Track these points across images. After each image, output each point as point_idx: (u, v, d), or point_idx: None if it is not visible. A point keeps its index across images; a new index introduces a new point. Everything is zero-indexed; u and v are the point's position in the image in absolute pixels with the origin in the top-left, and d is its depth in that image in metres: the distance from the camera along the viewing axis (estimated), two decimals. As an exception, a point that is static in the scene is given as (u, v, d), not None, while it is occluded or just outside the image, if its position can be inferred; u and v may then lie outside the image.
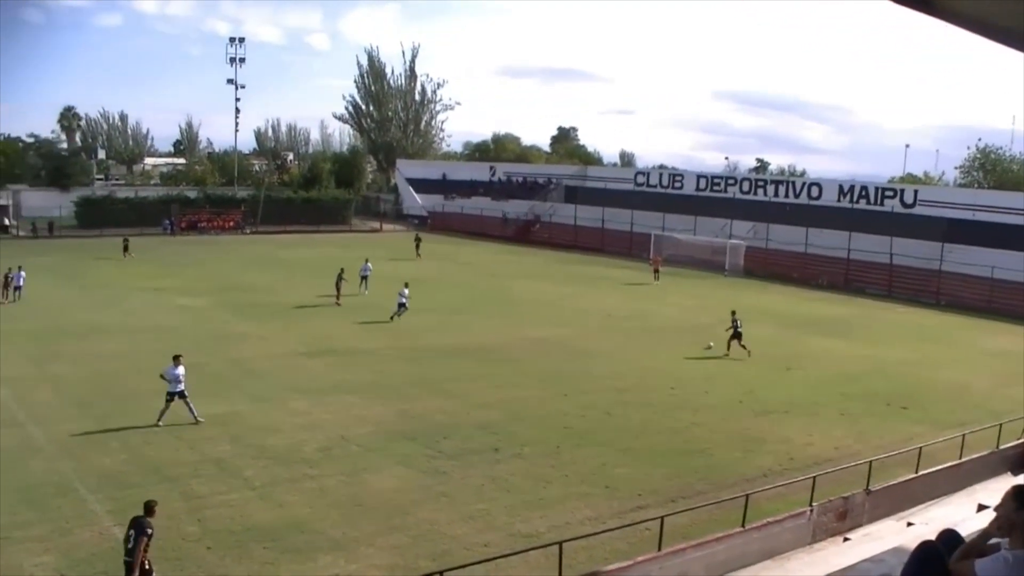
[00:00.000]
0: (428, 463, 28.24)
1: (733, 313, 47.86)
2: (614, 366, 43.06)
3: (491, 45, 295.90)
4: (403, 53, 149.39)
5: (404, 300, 52.53)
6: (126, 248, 78.63)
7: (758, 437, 32.41)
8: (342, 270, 58.63)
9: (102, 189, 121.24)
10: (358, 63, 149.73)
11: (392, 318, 51.90)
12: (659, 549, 19.63)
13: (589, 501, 25.56)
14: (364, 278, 62.63)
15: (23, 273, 55.36)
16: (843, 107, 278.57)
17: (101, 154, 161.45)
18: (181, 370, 31.37)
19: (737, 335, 46.64)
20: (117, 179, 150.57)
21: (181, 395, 31.27)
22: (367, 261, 64.05)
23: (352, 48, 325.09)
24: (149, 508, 18.75)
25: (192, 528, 22.64)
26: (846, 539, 22.48)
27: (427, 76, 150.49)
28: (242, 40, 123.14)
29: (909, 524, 22.87)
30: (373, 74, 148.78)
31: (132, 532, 18.19)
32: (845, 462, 28.33)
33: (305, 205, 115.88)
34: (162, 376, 31.48)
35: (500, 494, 25.80)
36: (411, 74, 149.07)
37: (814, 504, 22.64)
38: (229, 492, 25.20)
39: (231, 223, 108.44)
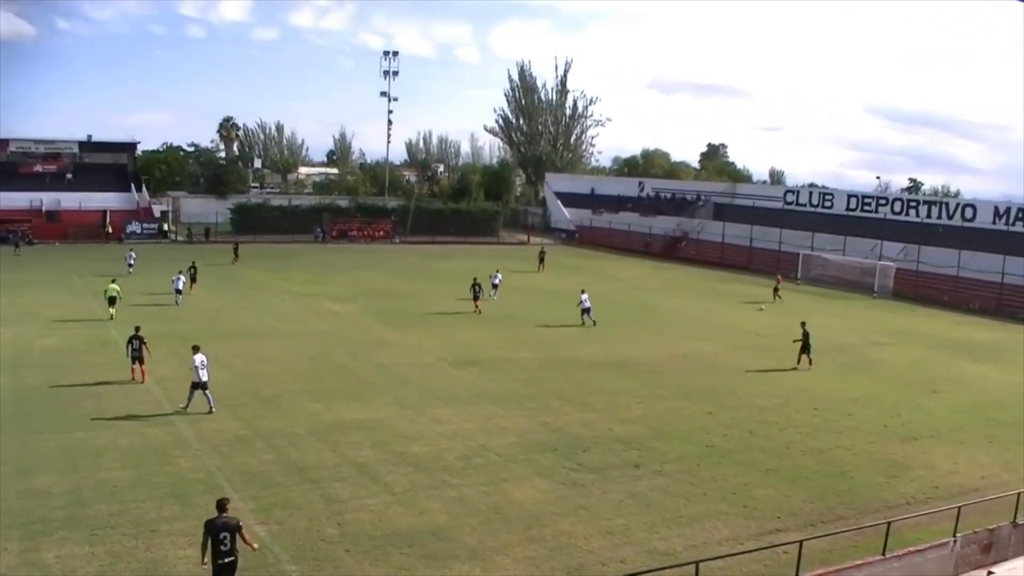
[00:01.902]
0: (568, 476, 28.13)
1: (803, 324, 47.35)
2: (758, 385, 42.43)
3: (642, 60, 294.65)
4: (555, 67, 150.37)
5: (588, 305, 55.99)
6: (236, 252, 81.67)
7: (902, 463, 31.55)
8: (475, 280, 60.03)
9: (257, 197, 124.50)
10: (509, 77, 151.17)
11: (594, 323, 55.34)
12: (797, 574, 19.21)
13: (728, 521, 25.17)
14: (495, 286, 66.10)
15: (182, 276, 58.96)
16: (1001, 125, 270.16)
17: (257, 163, 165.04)
18: (201, 358, 32.90)
19: (805, 347, 46.59)
20: (272, 187, 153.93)
21: (202, 386, 32.88)
22: (497, 271, 68.11)
23: (502, 61, 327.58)
24: (223, 505, 18.62)
25: (332, 531, 22.90)
26: (990, 573, 21.65)
27: (581, 92, 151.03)
28: (395, 53, 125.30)
29: (1059, 560, 22.01)
30: (524, 88, 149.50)
31: (225, 535, 18.07)
32: (991, 492, 27.43)
33: (454, 216, 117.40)
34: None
35: (639, 510, 25.56)
36: (563, 89, 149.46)
37: (958, 535, 21.91)
38: (370, 497, 25.43)
39: (381, 232, 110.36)
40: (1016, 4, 11.90)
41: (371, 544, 22.19)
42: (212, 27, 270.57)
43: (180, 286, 58.39)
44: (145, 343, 36.98)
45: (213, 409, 32.83)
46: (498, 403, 36.28)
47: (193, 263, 65.35)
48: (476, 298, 59.22)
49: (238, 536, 18.32)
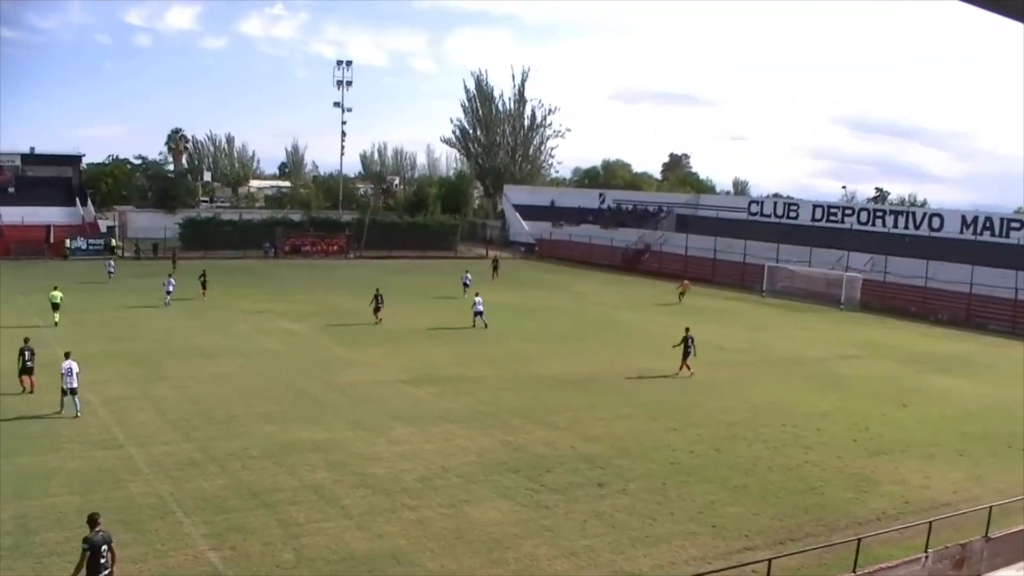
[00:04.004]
0: (531, 496, 28.08)
1: (687, 330, 48.22)
2: (724, 400, 42.56)
3: (604, 69, 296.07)
4: (512, 77, 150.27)
5: (481, 308, 59.13)
6: (174, 262, 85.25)
7: (872, 478, 31.78)
8: (377, 290, 61.28)
9: (207, 211, 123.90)
10: (465, 87, 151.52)
11: (485, 326, 58.25)
12: (765, 593, 19.30)
13: (695, 540, 25.21)
14: (466, 285, 74.61)
15: (173, 280, 64.71)
16: (964, 133, 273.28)
17: (207, 176, 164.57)
18: (68, 365, 34.42)
19: (686, 353, 47.28)
20: (222, 201, 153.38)
21: (72, 391, 34.36)
22: (467, 272, 75.76)
23: (459, 71, 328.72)
24: (96, 520, 18.90)
25: (287, 556, 22.76)
26: (963, 587, 21.89)
27: (538, 101, 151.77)
28: (349, 63, 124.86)
29: (1031, 574, 22.19)
30: (481, 98, 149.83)
31: (105, 548, 18.52)
32: (963, 506, 27.67)
33: (410, 230, 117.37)
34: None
35: (604, 530, 25.55)
36: (520, 98, 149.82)
37: (929, 550, 22.05)
38: (326, 520, 25.28)
39: (335, 247, 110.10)
40: (981, 13, 12.04)
41: (328, 569, 22.06)
42: (159, 36, 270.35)
43: (171, 288, 64.56)
44: (35, 354, 37.88)
45: (79, 414, 34.05)
46: (458, 422, 36.17)
47: (204, 271, 71.30)
48: (377, 309, 60.29)
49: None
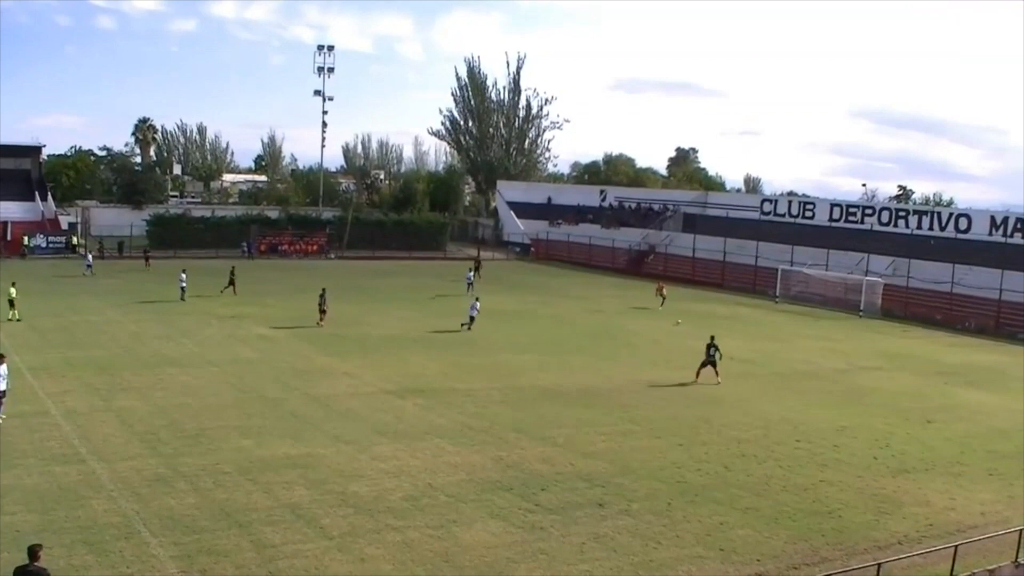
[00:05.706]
0: (525, 517, 28.02)
1: (712, 338, 48.81)
2: (735, 415, 42.49)
3: (605, 57, 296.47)
4: (507, 64, 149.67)
5: (474, 314, 60.84)
6: (147, 260, 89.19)
7: (893, 498, 31.73)
8: (324, 291, 61.89)
9: (177, 207, 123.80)
10: (456, 74, 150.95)
11: (468, 329, 60.90)
12: (778, 621, 19.34)
13: (702, 565, 25.19)
14: (469, 284, 79.67)
15: (184, 275, 69.45)
16: (997, 128, 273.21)
17: (177, 169, 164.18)
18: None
19: (711, 362, 48.22)
20: (193, 196, 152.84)
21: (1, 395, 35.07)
22: (470, 270, 79.73)
23: (449, 58, 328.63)
24: (35, 553, 18.32)
25: (263, 581, 22.74)
26: (991, 616, 21.94)
27: (534, 91, 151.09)
28: (331, 48, 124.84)
29: (1065, 602, 22.25)
30: (473, 86, 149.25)
31: None
32: (992, 529, 27.66)
33: (396, 229, 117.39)
34: None
35: (604, 554, 25.50)
36: (515, 87, 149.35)
37: (955, 576, 22.14)
38: (305, 542, 25.20)
39: (315, 247, 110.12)
40: (1012, 2, 12.02)
41: (307, 595, 22.07)
42: (124, 17, 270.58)
43: (184, 283, 68.87)
44: None
45: (3, 417, 34.76)
46: (447, 437, 36.07)
47: (232, 268, 75.67)
48: (323, 312, 60.79)
49: None
